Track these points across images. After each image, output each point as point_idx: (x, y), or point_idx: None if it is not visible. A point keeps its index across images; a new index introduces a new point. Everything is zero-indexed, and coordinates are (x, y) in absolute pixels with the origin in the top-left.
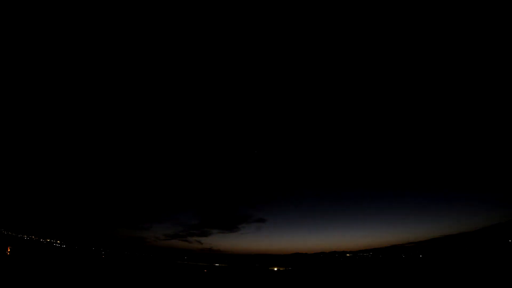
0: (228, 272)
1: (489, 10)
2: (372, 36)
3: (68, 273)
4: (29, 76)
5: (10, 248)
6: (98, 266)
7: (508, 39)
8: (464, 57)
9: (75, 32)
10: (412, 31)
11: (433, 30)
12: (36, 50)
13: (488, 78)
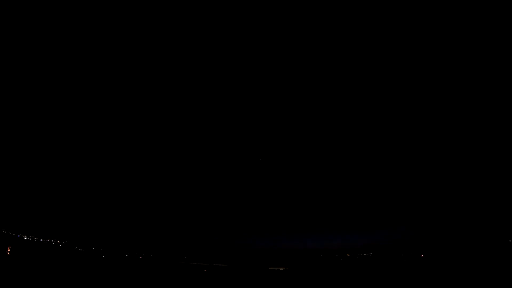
0: (228, 272)
1: (489, 10)
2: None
3: (68, 273)
4: (30, 76)
5: (10, 248)
6: (98, 266)
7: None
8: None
9: (75, 32)
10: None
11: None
12: (36, 50)
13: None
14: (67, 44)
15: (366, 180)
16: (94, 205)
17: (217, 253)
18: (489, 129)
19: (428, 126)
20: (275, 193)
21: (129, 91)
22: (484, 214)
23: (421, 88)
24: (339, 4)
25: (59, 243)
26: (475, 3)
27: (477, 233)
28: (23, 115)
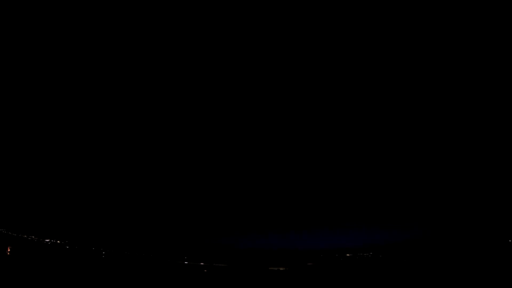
0: (228, 272)
1: (489, 10)
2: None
3: (68, 273)
4: (30, 76)
5: (10, 248)
6: (98, 266)
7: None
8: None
9: (75, 32)
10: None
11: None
12: (36, 50)
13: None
14: (67, 44)
15: (366, 180)
16: (94, 205)
17: (217, 253)
18: (489, 129)
19: (427, 126)
20: (275, 193)
21: (129, 91)
22: (484, 214)
23: (421, 88)
24: (339, 4)
25: (59, 243)
26: (475, 3)
27: (477, 233)
28: (23, 115)
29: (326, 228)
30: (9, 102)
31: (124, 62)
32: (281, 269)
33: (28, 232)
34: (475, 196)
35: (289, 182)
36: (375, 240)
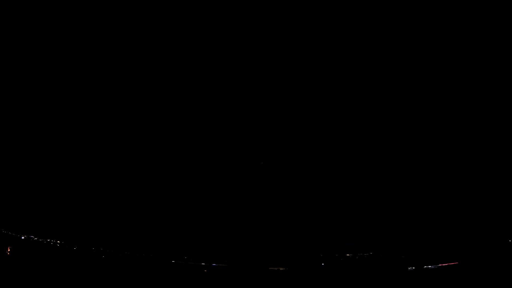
0: (228, 272)
1: (490, 10)
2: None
3: (68, 273)
4: (30, 76)
5: (10, 248)
6: (98, 266)
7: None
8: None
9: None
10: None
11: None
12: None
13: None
14: (67, 44)
15: (366, 180)
16: (94, 205)
17: (217, 253)
18: (489, 129)
19: (428, 126)
20: (275, 193)
21: (129, 91)
22: (484, 214)
23: (420, 88)
24: (339, 4)
25: (59, 243)
26: (475, 3)
27: (477, 233)
28: (23, 115)
29: (326, 228)
30: (8, 101)
31: (124, 61)
32: (281, 269)
33: (28, 232)
34: (475, 195)
35: (290, 181)
36: (375, 240)
